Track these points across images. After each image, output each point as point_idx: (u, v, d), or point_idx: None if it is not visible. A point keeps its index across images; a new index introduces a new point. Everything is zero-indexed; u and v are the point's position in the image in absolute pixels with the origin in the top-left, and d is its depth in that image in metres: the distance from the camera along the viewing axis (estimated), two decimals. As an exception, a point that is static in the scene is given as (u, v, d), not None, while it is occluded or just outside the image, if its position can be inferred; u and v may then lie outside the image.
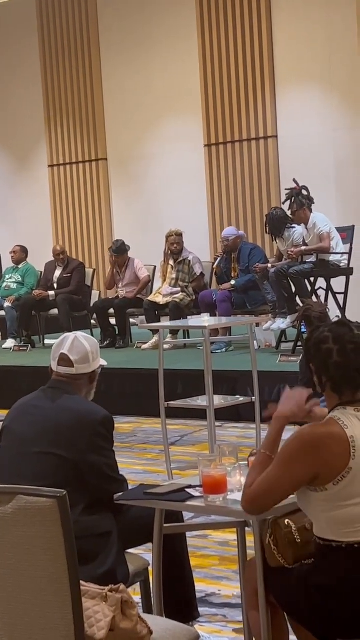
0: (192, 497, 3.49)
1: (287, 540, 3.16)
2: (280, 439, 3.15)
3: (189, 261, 11.34)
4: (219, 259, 10.98)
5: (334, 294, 10.12)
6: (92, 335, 4.12)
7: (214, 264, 11.09)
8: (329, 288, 10.10)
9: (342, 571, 3.03)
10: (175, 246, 11.31)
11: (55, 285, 12.27)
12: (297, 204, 9.94)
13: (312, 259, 9.94)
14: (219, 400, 7.02)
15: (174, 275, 11.35)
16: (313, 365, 3.13)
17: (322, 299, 9.80)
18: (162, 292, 11.33)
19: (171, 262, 11.41)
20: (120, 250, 11.78)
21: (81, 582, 2.74)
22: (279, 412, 3.19)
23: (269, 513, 3.21)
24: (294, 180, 10.01)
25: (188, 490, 3.54)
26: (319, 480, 3.02)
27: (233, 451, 3.64)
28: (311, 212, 9.98)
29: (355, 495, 3.03)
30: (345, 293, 10.17)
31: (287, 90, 12.76)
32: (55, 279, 12.33)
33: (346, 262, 10.11)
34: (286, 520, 3.19)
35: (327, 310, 6.55)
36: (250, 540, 3.52)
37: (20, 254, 12.91)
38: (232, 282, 10.73)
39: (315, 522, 3.11)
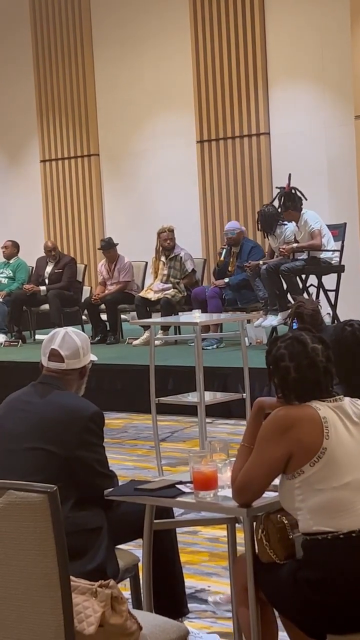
0: (182, 493, 3.49)
1: (279, 535, 3.18)
2: (257, 428, 3.23)
3: (181, 257, 11.33)
4: (224, 250, 10.94)
5: (325, 291, 10.13)
6: (83, 331, 4.11)
7: (220, 255, 11.04)
8: (320, 285, 10.11)
9: (330, 564, 3.06)
10: (167, 242, 11.30)
11: (47, 281, 12.25)
12: (282, 207, 9.97)
13: (304, 256, 9.95)
14: (209, 397, 7.02)
15: (165, 272, 11.34)
16: (275, 380, 3.24)
17: (314, 296, 9.81)
18: (153, 289, 11.32)
19: (163, 259, 11.40)
20: (108, 245, 11.78)
21: (71, 577, 2.73)
22: (258, 400, 3.34)
23: (261, 508, 3.24)
24: (289, 176, 9.99)
25: (178, 486, 3.54)
26: (294, 462, 3.10)
27: (224, 447, 3.64)
28: (299, 213, 9.97)
29: (331, 478, 3.09)
30: (337, 290, 10.19)
31: (280, 87, 12.76)
32: (46, 275, 12.31)
33: (337, 259, 10.12)
34: (278, 516, 3.21)
35: (319, 307, 6.56)
36: (240, 536, 3.52)
37: (12, 249, 12.89)
38: (226, 280, 10.73)
39: (299, 518, 3.14)
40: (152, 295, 11.24)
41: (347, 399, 3.24)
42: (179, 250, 11.37)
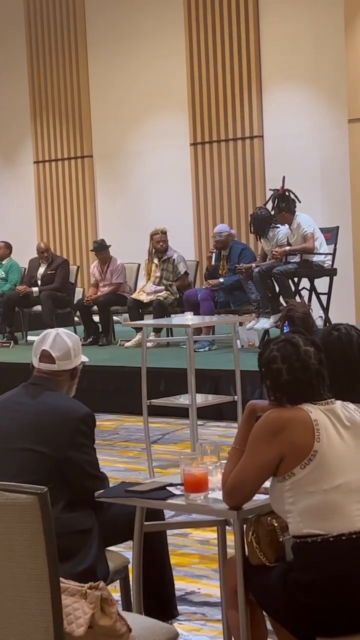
0: (173, 495, 3.49)
1: (269, 538, 3.18)
2: (248, 431, 3.23)
3: (174, 260, 11.34)
4: (214, 254, 10.96)
5: (318, 295, 10.14)
6: (75, 332, 4.11)
7: (210, 259, 11.04)
8: (312, 288, 10.12)
9: (319, 567, 3.06)
10: (160, 244, 11.30)
11: (39, 282, 12.25)
12: (276, 209, 9.97)
13: (296, 259, 9.96)
14: (201, 399, 7.01)
15: (158, 274, 11.34)
16: (266, 382, 3.24)
17: (306, 299, 9.82)
18: (145, 290, 11.32)
19: (155, 261, 11.40)
20: (100, 247, 11.78)
21: (61, 579, 2.73)
22: (250, 403, 3.34)
23: (252, 511, 3.24)
24: (283, 179, 9.99)
25: (169, 488, 3.54)
26: (285, 464, 3.11)
27: (215, 450, 3.64)
28: (292, 215, 9.97)
29: (322, 481, 3.10)
30: (329, 294, 10.20)
31: (274, 89, 12.78)
32: (39, 276, 12.31)
33: (330, 262, 10.14)
34: (269, 518, 3.21)
35: (310, 310, 6.55)
36: (230, 539, 3.52)
37: (4, 250, 12.88)
38: (221, 279, 10.74)
39: (289, 521, 3.14)
40: (144, 297, 11.24)
41: (338, 402, 3.24)
42: (172, 253, 11.38)
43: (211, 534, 5.12)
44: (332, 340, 3.65)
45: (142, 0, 13.70)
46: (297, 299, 9.52)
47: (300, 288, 10.02)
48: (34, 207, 15.04)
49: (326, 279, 10.20)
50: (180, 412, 7.77)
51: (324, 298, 10.18)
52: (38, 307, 12.12)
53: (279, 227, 10.22)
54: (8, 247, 12.91)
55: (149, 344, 9.01)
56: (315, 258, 10.02)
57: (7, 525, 2.66)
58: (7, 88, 15.08)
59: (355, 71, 11.58)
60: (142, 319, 10.99)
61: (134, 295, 11.39)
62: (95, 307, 11.67)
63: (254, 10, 12.79)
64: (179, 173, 13.44)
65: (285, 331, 7.39)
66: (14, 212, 15.17)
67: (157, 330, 11.02)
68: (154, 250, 11.39)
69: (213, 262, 10.95)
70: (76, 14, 14.38)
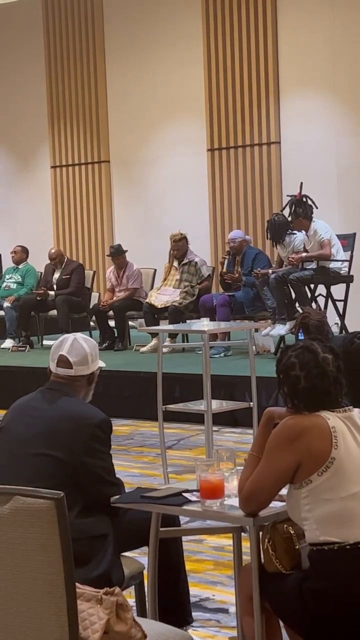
0: (189, 501, 3.49)
1: (285, 545, 3.18)
2: (266, 438, 3.23)
3: (195, 263, 11.31)
4: (226, 260, 10.96)
5: (334, 301, 10.12)
6: (90, 337, 4.11)
7: (223, 264, 11.03)
8: (328, 295, 10.10)
9: (336, 575, 3.05)
10: (175, 252, 11.30)
11: (55, 287, 12.27)
12: (293, 215, 9.95)
13: (313, 265, 9.94)
14: (216, 405, 7.01)
15: (177, 277, 11.32)
16: (284, 389, 3.24)
17: (322, 305, 9.80)
18: (161, 293, 11.28)
19: (175, 264, 11.39)
20: (117, 252, 11.78)
21: (76, 584, 2.73)
22: (268, 410, 3.34)
23: (268, 518, 3.23)
24: (300, 185, 9.97)
25: (185, 494, 3.54)
26: (303, 471, 3.11)
27: (231, 456, 3.64)
28: (309, 221, 9.95)
29: (339, 488, 3.09)
30: (345, 300, 10.18)
31: (291, 96, 12.77)
32: (54, 281, 12.33)
33: (346, 269, 10.11)
34: (285, 526, 3.21)
35: (325, 318, 6.54)
36: (245, 545, 3.51)
37: (21, 254, 12.91)
38: (243, 278, 10.69)
39: (306, 528, 3.14)
40: (154, 300, 11.18)
41: (356, 410, 3.24)
42: (193, 257, 11.37)
43: (226, 541, 5.11)
44: (355, 348, 3.65)
45: (161, 8, 13.72)
46: (313, 305, 9.50)
47: (316, 295, 10.00)
48: (50, 212, 15.07)
49: (342, 286, 10.18)
50: (195, 418, 7.77)
51: (340, 305, 10.16)
52: (54, 312, 12.13)
53: (295, 234, 10.20)
54: (25, 251, 12.94)
55: (164, 350, 9.01)
56: (332, 265, 10.00)
57: (23, 530, 2.66)
58: (25, 93, 15.11)
59: (373, 78, 11.58)
60: (158, 324, 10.98)
61: (148, 299, 11.37)
62: (111, 312, 11.67)
63: (271, 18, 12.79)
64: (196, 179, 13.44)
65: (300, 338, 7.38)
66: (30, 216, 15.20)
67: (173, 335, 11.01)
68: (173, 252, 11.39)
69: (225, 268, 10.94)
70: (94, 21, 14.41)
